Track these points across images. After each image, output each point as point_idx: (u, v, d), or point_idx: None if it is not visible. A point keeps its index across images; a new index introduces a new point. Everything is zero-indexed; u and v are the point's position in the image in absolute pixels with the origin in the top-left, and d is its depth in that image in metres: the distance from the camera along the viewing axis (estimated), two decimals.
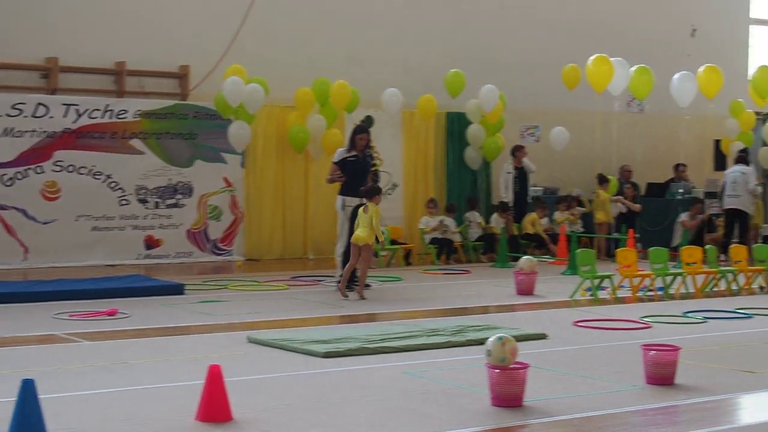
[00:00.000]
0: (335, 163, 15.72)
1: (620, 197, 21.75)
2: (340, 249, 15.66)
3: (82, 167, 18.51)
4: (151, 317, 12.55)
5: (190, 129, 19.43)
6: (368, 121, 21.00)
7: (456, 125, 21.98)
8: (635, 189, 22.29)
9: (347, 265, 14.95)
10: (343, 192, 15.63)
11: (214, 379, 7.39)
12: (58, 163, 18.33)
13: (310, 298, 14.57)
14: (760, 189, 21.60)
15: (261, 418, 7.52)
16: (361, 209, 14.83)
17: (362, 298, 14.62)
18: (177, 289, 14.83)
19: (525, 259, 15.59)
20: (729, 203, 20.86)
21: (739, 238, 20.55)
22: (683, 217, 21.10)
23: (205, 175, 19.60)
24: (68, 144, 18.37)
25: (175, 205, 19.39)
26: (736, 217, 20.77)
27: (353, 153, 15.59)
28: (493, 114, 21.29)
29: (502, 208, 20.97)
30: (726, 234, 20.83)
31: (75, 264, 18.23)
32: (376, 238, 14.82)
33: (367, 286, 15.27)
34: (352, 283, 14.98)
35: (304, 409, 7.79)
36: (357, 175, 15.55)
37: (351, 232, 15.03)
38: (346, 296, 14.67)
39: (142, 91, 19.50)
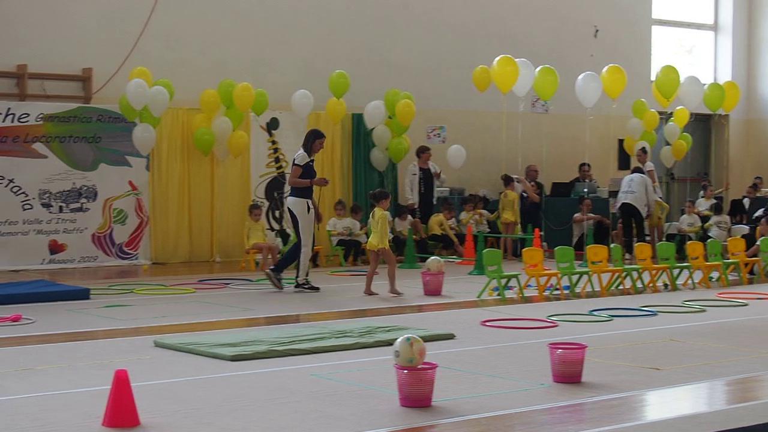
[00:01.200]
0: (299, 165, 15.71)
1: (524, 181, 21.85)
2: (310, 253, 16.01)
3: None
4: (56, 323, 12.36)
5: (94, 132, 19.21)
6: (273, 124, 20.98)
7: (362, 127, 21.99)
8: (540, 188, 22.48)
9: (369, 271, 15.49)
10: (302, 195, 15.71)
11: (121, 384, 7.29)
12: None
13: (218, 302, 14.47)
14: (656, 196, 21.88)
15: (169, 422, 7.45)
16: (370, 216, 15.32)
17: (398, 293, 15.10)
18: (82, 294, 14.65)
19: (432, 260, 15.64)
20: (622, 198, 21.18)
21: (629, 235, 20.84)
22: (577, 215, 21.36)
23: (110, 179, 19.39)
24: None
25: (79, 209, 19.15)
26: (630, 215, 21.04)
27: (311, 158, 15.85)
28: (404, 117, 21.31)
29: (403, 211, 21.00)
30: (625, 231, 21.09)
31: None
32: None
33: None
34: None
35: (212, 413, 7.72)
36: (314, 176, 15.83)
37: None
38: (376, 293, 15.17)
39: (45, 95, 19.25)
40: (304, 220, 15.67)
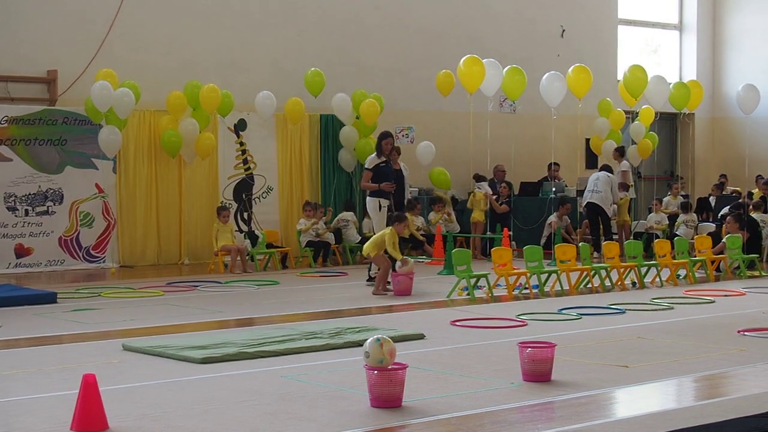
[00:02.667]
0: (368, 169, 16.78)
1: (491, 196, 21.93)
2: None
3: None
4: (22, 327, 12.28)
5: (60, 135, 19.11)
6: (240, 125, 20.94)
7: (330, 127, 21.97)
8: (509, 188, 22.54)
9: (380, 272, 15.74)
10: (377, 194, 16.68)
11: (89, 389, 7.26)
12: None
13: (187, 304, 14.42)
14: (620, 196, 21.95)
15: (138, 426, 7.41)
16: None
17: (378, 293, 15.30)
18: (49, 298, 14.55)
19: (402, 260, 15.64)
20: (587, 198, 21.26)
21: (599, 234, 20.90)
22: (553, 218, 21.35)
23: (76, 182, 19.29)
24: None
25: (45, 213, 19.05)
26: (596, 214, 21.10)
27: (383, 159, 16.70)
28: (370, 117, 21.31)
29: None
30: (592, 231, 21.14)
31: None
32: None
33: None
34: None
35: (181, 416, 7.69)
36: (386, 180, 16.61)
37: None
38: (384, 293, 15.37)
39: (9, 97, 19.12)
40: (376, 218, 16.62)
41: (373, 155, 16.96)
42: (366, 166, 16.97)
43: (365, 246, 15.77)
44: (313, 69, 21.24)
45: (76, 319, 12.97)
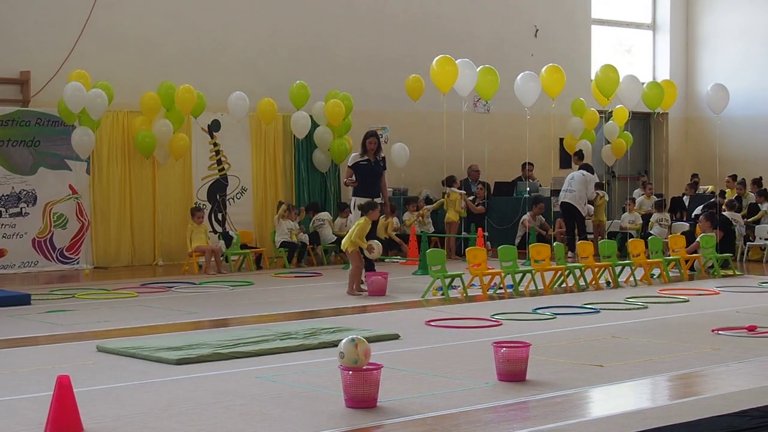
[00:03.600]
0: (349, 166, 16.81)
1: (467, 200, 21.97)
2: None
3: None
4: None
5: (33, 136, 19.03)
6: (214, 125, 20.90)
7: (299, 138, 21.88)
8: (485, 188, 22.57)
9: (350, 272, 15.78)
10: (356, 193, 16.59)
11: (63, 390, 7.22)
12: None
13: (161, 305, 14.38)
14: (594, 194, 21.99)
15: (113, 427, 7.39)
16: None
17: (352, 294, 15.35)
18: (23, 300, 14.49)
19: (373, 242, 15.67)
20: (561, 197, 21.30)
21: (574, 233, 20.94)
22: (526, 217, 21.38)
23: (50, 183, 19.22)
24: None
25: (18, 214, 18.96)
26: (570, 213, 21.15)
27: (365, 157, 16.61)
28: (335, 117, 21.29)
29: (344, 208, 20.98)
30: (568, 230, 21.18)
31: None
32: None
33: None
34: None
35: (156, 418, 7.67)
36: (368, 178, 16.55)
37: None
38: (358, 293, 15.41)
39: None
40: (358, 216, 16.37)
41: (356, 153, 16.97)
42: (347, 164, 17.07)
43: (343, 241, 15.76)
44: (298, 81, 21.27)
45: (51, 320, 12.92)
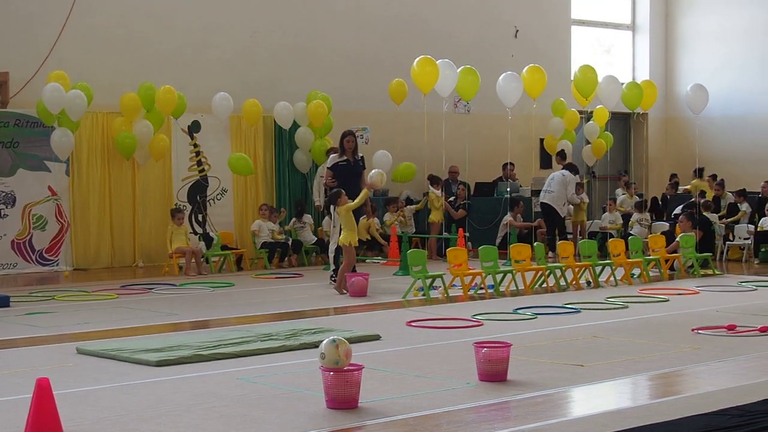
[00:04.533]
0: (329, 168, 16.77)
1: (446, 204, 22.00)
2: (332, 246, 16.64)
3: None
4: None
5: (12, 137, 18.96)
6: (194, 126, 20.86)
7: (284, 128, 21.89)
8: (466, 188, 22.58)
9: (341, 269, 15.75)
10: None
11: (43, 393, 7.19)
12: None
13: (141, 307, 14.34)
14: (578, 200, 22.05)
15: (93, 430, 7.37)
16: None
17: (341, 293, 15.41)
18: (2, 302, 14.41)
19: (375, 173, 15.71)
20: (541, 198, 21.33)
21: (551, 233, 20.96)
22: (508, 217, 21.37)
23: (29, 184, 19.15)
24: None
25: None
26: (549, 214, 21.16)
27: (344, 158, 16.62)
28: (317, 118, 21.27)
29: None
30: (548, 230, 21.19)
31: None
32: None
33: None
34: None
35: (137, 420, 7.65)
36: (347, 178, 16.47)
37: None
38: (344, 293, 15.42)
39: None
40: (332, 217, 16.61)
41: (335, 154, 16.92)
42: (327, 165, 17.04)
43: (339, 238, 15.75)
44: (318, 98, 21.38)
45: (30, 322, 12.87)
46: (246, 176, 21.22)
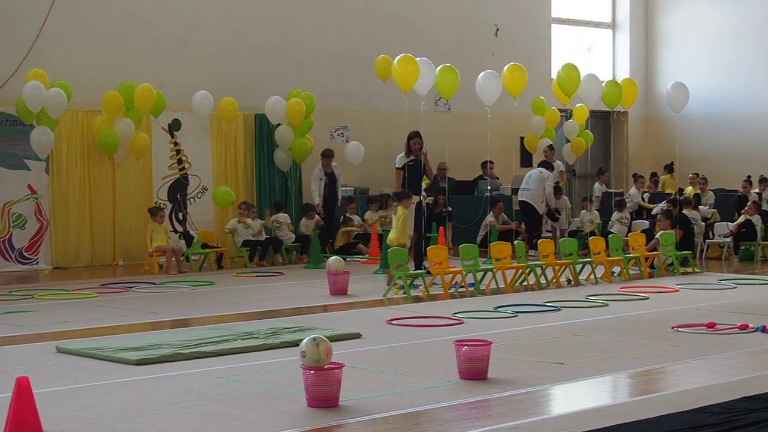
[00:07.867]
0: (399, 168, 17.24)
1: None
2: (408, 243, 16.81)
3: None
4: None
5: None
6: (175, 125, 20.82)
7: (265, 127, 21.88)
8: (445, 197, 22.55)
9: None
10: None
11: (22, 392, 7.17)
12: None
13: (121, 305, 14.31)
14: (554, 202, 22.03)
15: (73, 429, 7.35)
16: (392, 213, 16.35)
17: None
18: None
19: (333, 260, 15.60)
20: (519, 195, 21.32)
21: (531, 231, 20.95)
22: (490, 218, 21.33)
23: (8, 183, 19.08)
24: None
25: None
26: (527, 212, 21.14)
27: (411, 158, 17.20)
28: (295, 116, 21.26)
29: (309, 209, 20.92)
30: (527, 228, 21.16)
31: None
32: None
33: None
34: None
35: (117, 419, 7.64)
36: (413, 177, 17.12)
37: (415, 226, 16.70)
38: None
39: None
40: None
41: (402, 154, 17.33)
42: (396, 166, 17.37)
43: (389, 236, 16.11)
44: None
45: (9, 321, 12.82)
46: (227, 176, 21.22)
